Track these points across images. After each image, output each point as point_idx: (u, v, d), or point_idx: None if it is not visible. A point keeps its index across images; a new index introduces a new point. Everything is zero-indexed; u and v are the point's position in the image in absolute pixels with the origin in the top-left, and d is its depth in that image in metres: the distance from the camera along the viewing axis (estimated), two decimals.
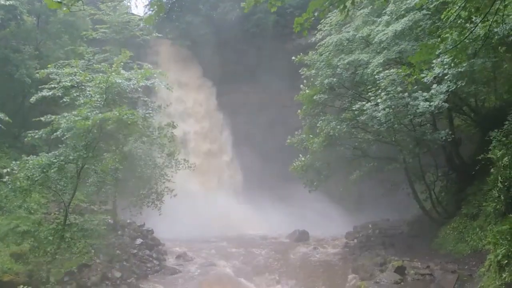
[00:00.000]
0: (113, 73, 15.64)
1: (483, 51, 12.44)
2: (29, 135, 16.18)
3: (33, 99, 18.14)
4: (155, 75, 18.46)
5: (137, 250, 19.87)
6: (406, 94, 16.25)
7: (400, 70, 16.69)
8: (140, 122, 16.46)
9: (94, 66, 18.12)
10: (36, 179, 13.36)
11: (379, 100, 16.45)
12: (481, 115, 18.14)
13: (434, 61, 14.95)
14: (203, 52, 34.56)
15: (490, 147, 14.27)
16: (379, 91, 16.57)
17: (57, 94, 17.05)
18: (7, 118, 18.53)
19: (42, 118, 16.21)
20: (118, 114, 14.60)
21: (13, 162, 14.13)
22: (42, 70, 18.18)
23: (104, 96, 15.16)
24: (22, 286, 11.96)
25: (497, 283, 11.54)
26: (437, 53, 14.17)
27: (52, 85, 17.46)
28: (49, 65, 18.26)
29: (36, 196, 15.89)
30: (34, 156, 14.09)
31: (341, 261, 20.44)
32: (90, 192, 16.39)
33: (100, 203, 19.61)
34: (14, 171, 13.57)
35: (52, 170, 13.40)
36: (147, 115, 17.32)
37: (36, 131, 15.97)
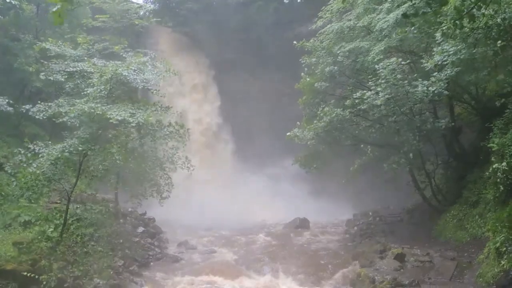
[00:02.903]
0: (122, 65, 15.53)
1: (483, 40, 12.41)
2: (31, 111, 15.51)
3: (37, 75, 17.96)
4: (159, 63, 18.35)
5: (139, 238, 20.02)
6: (406, 82, 16.25)
7: (400, 59, 16.74)
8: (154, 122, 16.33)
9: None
10: (46, 175, 13.25)
11: (379, 89, 16.44)
12: (482, 103, 18.11)
13: (434, 49, 14.99)
14: (203, 40, 34.39)
15: (490, 135, 14.31)
16: (380, 80, 16.55)
17: (61, 79, 16.96)
18: (9, 108, 18.39)
19: (51, 104, 15.82)
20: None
21: (19, 151, 13.90)
22: (39, 44, 17.96)
23: (108, 86, 15.07)
24: (25, 273, 12.11)
25: (495, 270, 11.68)
26: (438, 41, 14.24)
27: (54, 67, 17.41)
28: (49, 39, 17.96)
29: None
30: (41, 146, 13.91)
31: (341, 248, 20.58)
32: (92, 182, 16.39)
33: (102, 193, 19.64)
34: (22, 164, 13.42)
35: (60, 162, 13.34)
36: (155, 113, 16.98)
37: (36, 108, 15.56)
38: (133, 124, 14.63)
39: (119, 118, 14.05)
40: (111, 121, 13.98)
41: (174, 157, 18.56)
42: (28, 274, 12.10)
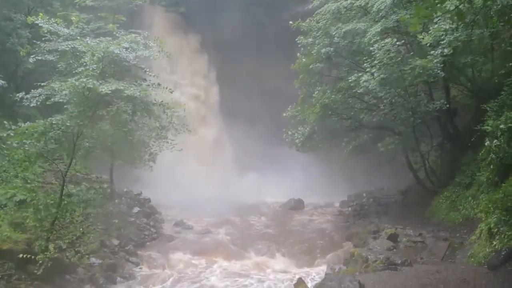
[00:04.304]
0: (113, 43, 15.34)
1: (481, 21, 12.31)
2: (25, 99, 15.40)
3: (32, 58, 17.86)
4: (152, 43, 18.16)
5: (135, 218, 20.15)
6: (399, 59, 16.18)
7: (395, 40, 16.63)
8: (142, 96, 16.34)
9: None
10: (32, 149, 13.19)
11: (373, 70, 16.38)
12: (478, 85, 18.09)
13: (431, 28, 14.88)
14: (198, 20, 33.96)
15: (485, 117, 14.33)
16: (375, 61, 16.46)
17: (52, 59, 16.81)
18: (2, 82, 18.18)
19: (43, 83, 15.70)
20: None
21: (12, 127, 13.85)
22: (31, 17, 17.74)
23: (101, 65, 14.89)
24: (21, 255, 12.15)
25: (487, 250, 11.83)
26: (435, 21, 14.13)
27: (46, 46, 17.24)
28: (40, 14, 17.73)
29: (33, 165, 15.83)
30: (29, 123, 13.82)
31: (335, 229, 20.81)
32: (86, 161, 16.38)
33: (97, 173, 19.66)
34: (10, 135, 13.33)
35: (51, 141, 13.27)
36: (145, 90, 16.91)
37: (30, 95, 15.46)
38: (129, 94, 14.70)
39: (112, 89, 14.09)
40: (105, 91, 13.98)
41: (171, 123, 19.04)
42: (24, 255, 12.13)
